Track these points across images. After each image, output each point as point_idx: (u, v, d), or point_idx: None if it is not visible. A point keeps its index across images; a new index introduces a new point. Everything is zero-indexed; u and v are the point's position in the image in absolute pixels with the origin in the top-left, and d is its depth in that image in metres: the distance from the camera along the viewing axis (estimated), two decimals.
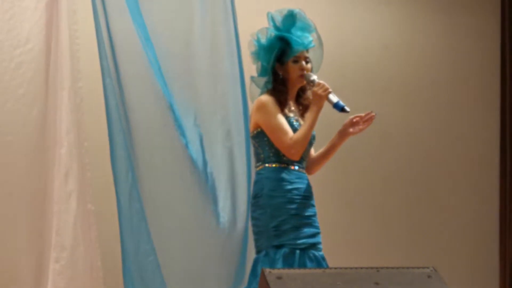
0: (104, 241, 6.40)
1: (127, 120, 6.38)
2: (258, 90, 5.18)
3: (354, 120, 5.16)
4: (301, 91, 5.16)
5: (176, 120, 6.47)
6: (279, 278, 4.19)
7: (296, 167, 5.06)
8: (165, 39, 6.53)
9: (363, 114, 5.15)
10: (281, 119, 5.01)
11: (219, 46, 6.61)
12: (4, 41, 6.18)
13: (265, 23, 5.17)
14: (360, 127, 5.17)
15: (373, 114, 5.15)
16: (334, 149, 5.25)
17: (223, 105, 6.60)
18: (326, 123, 5.25)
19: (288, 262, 4.91)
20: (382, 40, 7.47)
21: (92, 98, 6.45)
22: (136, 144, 6.40)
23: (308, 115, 5.01)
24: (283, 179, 5.01)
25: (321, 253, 5.02)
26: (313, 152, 5.27)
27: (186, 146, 6.48)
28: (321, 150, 5.24)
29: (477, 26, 7.69)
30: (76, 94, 6.33)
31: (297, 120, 5.08)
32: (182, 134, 6.49)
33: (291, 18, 5.08)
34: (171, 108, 6.43)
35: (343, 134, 5.20)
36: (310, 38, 5.10)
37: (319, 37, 5.16)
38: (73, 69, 6.33)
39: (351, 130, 5.18)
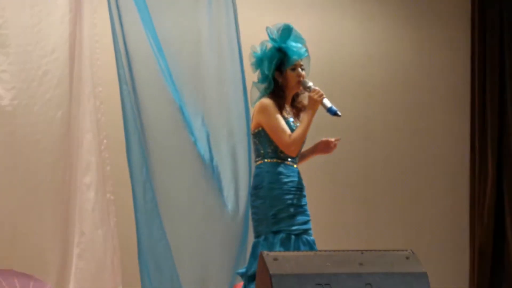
0: (123, 227, 6.42)
1: (141, 121, 6.40)
2: (257, 94, 5.22)
3: (328, 143, 5.23)
4: (295, 95, 5.20)
5: (185, 120, 6.49)
6: (275, 259, 4.19)
7: (291, 162, 5.12)
8: (175, 49, 6.54)
9: (333, 139, 5.23)
10: (281, 120, 5.06)
11: (224, 55, 6.63)
12: (33, 52, 6.19)
13: (264, 34, 5.21)
14: (329, 151, 5.26)
15: (339, 139, 5.24)
16: (306, 159, 5.32)
17: (227, 107, 6.62)
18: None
19: (285, 246, 4.95)
20: (366, 51, 7.50)
21: (111, 101, 6.46)
22: (149, 142, 6.41)
23: (304, 117, 5.06)
24: (281, 173, 5.05)
25: (312, 237, 5.07)
26: None
27: (195, 143, 6.50)
28: (305, 151, 5.30)
29: (449, 37, 7.69)
30: (96, 97, 6.34)
31: (293, 122, 5.14)
32: (191, 132, 6.51)
33: (287, 31, 5.12)
34: (181, 110, 6.44)
35: (318, 152, 5.28)
36: (303, 48, 5.14)
37: (306, 48, 5.21)
38: (93, 76, 6.35)
39: (326, 151, 5.27)
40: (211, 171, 6.52)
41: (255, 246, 5.05)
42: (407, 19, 7.63)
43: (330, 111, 5.02)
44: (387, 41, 7.56)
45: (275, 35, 5.10)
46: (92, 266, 6.20)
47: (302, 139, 5.03)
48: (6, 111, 6.07)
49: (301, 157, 5.27)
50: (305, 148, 5.27)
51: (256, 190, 5.10)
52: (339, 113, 5.02)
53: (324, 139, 5.25)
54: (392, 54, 7.56)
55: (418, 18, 7.66)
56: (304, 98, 5.18)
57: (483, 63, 7.56)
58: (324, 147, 5.27)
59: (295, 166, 5.12)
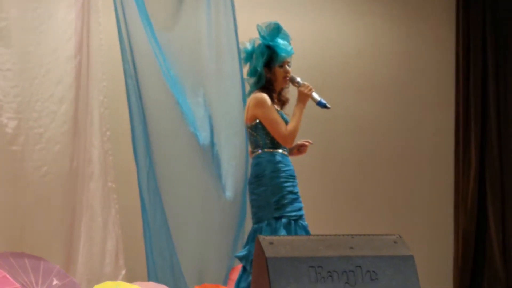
0: (126, 213, 6.45)
1: (144, 114, 6.43)
2: (247, 88, 5.26)
3: (304, 146, 5.29)
4: (281, 89, 5.24)
5: (185, 112, 6.52)
6: (271, 243, 4.18)
7: (285, 152, 5.18)
8: (176, 47, 6.58)
9: (306, 143, 5.28)
10: (276, 113, 5.10)
11: (223, 52, 6.66)
12: (35, 52, 6.21)
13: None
14: (302, 152, 5.31)
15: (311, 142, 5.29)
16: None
17: (226, 100, 6.65)
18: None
19: (287, 230, 4.99)
20: (356, 47, 7.52)
21: (115, 95, 6.49)
22: (152, 133, 6.44)
23: (296, 111, 5.10)
24: (280, 162, 5.09)
25: (305, 223, 5.12)
26: None
27: (194, 134, 6.53)
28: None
29: (435, 34, 7.71)
30: (100, 92, 6.36)
31: (283, 114, 5.18)
32: (191, 123, 6.54)
33: (276, 29, 5.15)
34: (179, 103, 6.48)
35: (297, 153, 5.33)
36: (290, 46, 5.19)
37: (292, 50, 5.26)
38: (97, 71, 6.38)
39: (298, 151, 5.32)
40: (211, 159, 6.55)
41: (257, 231, 5.08)
42: (395, 16, 7.65)
43: (319, 104, 5.08)
44: (376, 37, 7.57)
45: (265, 32, 5.14)
46: (96, 251, 6.23)
47: (296, 131, 5.08)
48: (10, 107, 6.09)
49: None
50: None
51: (257, 178, 5.12)
52: (328, 105, 5.07)
53: (299, 142, 5.31)
54: (381, 50, 7.57)
55: (406, 15, 7.67)
56: (288, 92, 5.23)
57: (467, 59, 7.59)
58: (300, 149, 5.33)
59: (287, 155, 5.17)
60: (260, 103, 5.10)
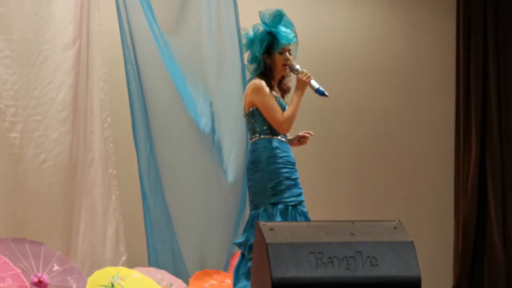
0: (127, 199, 6.46)
1: (144, 100, 6.43)
2: (248, 74, 5.24)
3: (304, 137, 5.27)
4: (282, 78, 5.23)
5: (183, 99, 6.52)
6: (271, 229, 4.20)
7: (284, 139, 5.16)
8: (176, 34, 6.58)
9: (307, 134, 5.26)
10: (273, 99, 5.09)
11: (223, 39, 6.66)
12: (34, 39, 6.20)
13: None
14: (303, 143, 5.29)
15: (311, 133, 5.28)
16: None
17: (226, 86, 6.65)
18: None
19: (284, 216, 4.99)
20: (357, 35, 7.51)
21: (115, 82, 6.48)
22: (152, 119, 6.45)
23: (294, 98, 5.09)
24: (277, 148, 5.08)
25: (305, 209, 5.12)
26: None
27: (195, 120, 6.53)
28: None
29: (436, 22, 7.70)
30: (100, 78, 6.36)
31: (282, 101, 5.17)
32: (192, 109, 6.54)
33: (278, 16, 5.14)
34: (179, 89, 6.48)
35: (296, 144, 5.32)
36: (293, 34, 5.17)
37: (295, 34, 5.24)
38: (97, 58, 6.36)
39: (298, 142, 5.31)
40: (212, 145, 6.55)
41: (254, 218, 5.08)
42: (396, 4, 7.63)
43: (318, 91, 5.06)
44: (378, 25, 7.56)
45: (267, 19, 5.13)
46: (97, 238, 6.24)
47: (293, 118, 5.07)
48: (8, 94, 6.08)
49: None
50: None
51: (254, 165, 5.12)
52: (326, 93, 5.06)
53: (300, 133, 5.29)
54: (382, 38, 7.56)
55: (407, 3, 7.66)
56: (289, 81, 5.21)
57: (468, 47, 7.58)
58: (300, 141, 5.31)
59: (287, 142, 5.16)
60: (256, 90, 5.10)
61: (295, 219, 4.97)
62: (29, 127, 6.14)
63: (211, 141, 6.57)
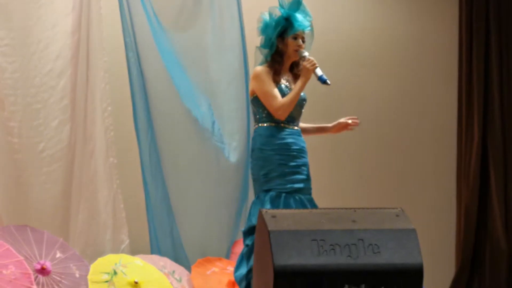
0: (128, 187, 6.46)
1: (145, 88, 6.43)
2: (261, 57, 5.23)
3: (344, 123, 5.27)
4: (295, 64, 5.22)
5: (182, 87, 6.52)
6: (273, 217, 4.22)
7: (289, 125, 5.14)
8: (175, 21, 6.57)
9: (350, 121, 5.27)
10: (271, 86, 5.08)
11: (225, 24, 6.65)
12: (34, 26, 6.19)
13: (264, 4, 5.25)
14: (348, 128, 5.31)
15: (358, 120, 5.30)
16: (321, 133, 5.38)
17: (228, 73, 6.65)
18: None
19: (274, 204, 4.98)
20: (360, 23, 7.49)
21: (116, 70, 6.47)
22: (153, 107, 6.46)
23: (297, 84, 5.09)
24: (273, 136, 5.08)
25: (308, 196, 5.10)
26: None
27: (190, 110, 6.54)
28: (310, 126, 5.36)
29: (439, 10, 7.68)
30: (101, 67, 6.35)
31: (287, 87, 5.15)
32: (191, 98, 6.54)
33: (296, 4, 5.16)
34: (173, 80, 6.47)
35: (334, 130, 5.32)
36: (308, 22, 5.17)
37: (312, 28, 5.24)
38: (97, 46, 6.35)
39: (339, 130, 5.31)
40: (212, 133, 6.55)
41: (252, 205, 5.11)
42: None
43: (320, 79, 5.06)
44: (379, 13, 7.55)
45: (285, 4, 5.14)
46: (98, 226, 6.25)
47: (291, 104, 5.05)
48: (7, 84, 6.08)
49: (310, 130, 5.33)
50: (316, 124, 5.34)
51: (252, 153, 5.17)
52: (328, 81, 5.06)
53: (342, 120, 5.28)
54: (384, 26, 7.55)
55: None
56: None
57: (470, 34, 7.57)
58: (338, 128, 5.31)
59: (293, 127, 5.14)
60: (255, 76, 5.13)
61: (288, 207, 4.97)
62: (28, 116, 6.14)
63: (211, 129, 6.57)
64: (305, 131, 5.30)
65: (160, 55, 6.41)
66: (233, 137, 6.61)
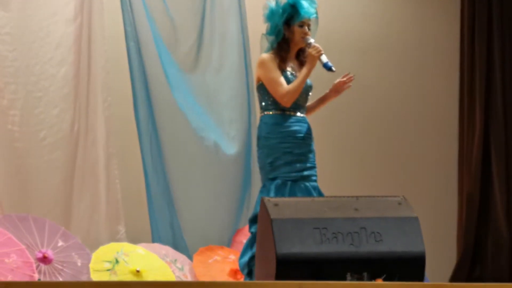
0: (130, 175, 6.47)
1: (146, 78, 6.43)
2: (267, 44, 5.23)
3: (339, 83, 5.25)
4: (301, 51, 5.22)
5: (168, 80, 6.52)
6: (276, 205, 4.23)
7: (294, 113, 5.14)
8: (179, 7, 6.58)
9: (345, 79, 5.23)
10: (277, 73, 5.08)
11: (225, 13, 6.65)
12: (34, 15, 6.20)
13: None
14: (345, 86, 5.27)
15: (351, 75, 5.24)
16: (324, 103, 5.35)
17: (228, 62, 6.65)
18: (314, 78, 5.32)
19: (280, 192, 5.00)
20: (362, 11, 7.48)
21: (117, 59, 6.47)
22: (154, 97, 6.46)
23: (302, 71, 5.11)
24: (278, 124, 5.08)
25: (313, 183, 5.10)
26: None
27: (194, 97, 6.54)
28: (312, 103, 5.33)
29: None
30: (101, 56, 6.36)
31: (292, 74, 5.15)
32: (179, 91, 6.53)
33: None
34: (165, 69, 6.47)
35: (332, 94, 5.29)
36: (314, 9, 5.18)
37: (317, 15, 5.25)
38: (98, 35, 6.35)
39: (338, 92, 5.28)
40: (211, 122, 6.56)
41: (259, 194, 5.12)
42: None
43: (325, 66, 5.07)
44: (382, 1, 7.54)
45: None
46: (98, 216, 6.26)
47: (296, 91, 5.06)
48: (8, 72, 6.08)
49: (312, 106, 5.30)
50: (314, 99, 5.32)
51: (258, 141, 5.17)
52: (333, 68, 5.07)
53: (336, 82, 5.26)
54: (386, 14, 7.54)
55: None
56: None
57: (472, 23, 7.55)
58: (336, 89, 5.27)
59: (299, 115, 5.14)
60: (260, 64, 5.14)
61: (294, 195, 4.98)
62: (29, 104, 6.14)
63: (211, 118, 6.58)
64: (310, 109, 5.28)
65: (155, 46, 6.43)
66: (231, 126, 6.61)
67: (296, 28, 5.13)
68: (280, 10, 5.12)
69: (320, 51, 5.06)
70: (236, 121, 6.65)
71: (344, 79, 5.25)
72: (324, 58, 5.07)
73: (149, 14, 6.44)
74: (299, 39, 5.14)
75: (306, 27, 5.15)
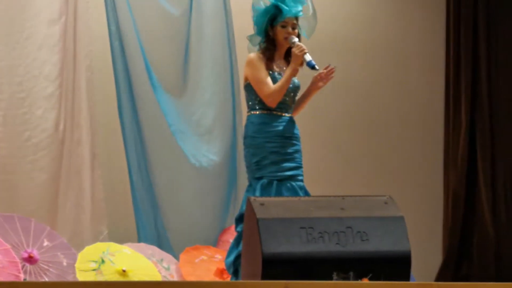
0: (115, 174, 6.47)
1: (130, 77, 6.43)
2: (255, 46, 5.23)
3: (320, 76, 5.23)
4: (289, 51, 5.22)
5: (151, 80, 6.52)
6: (262, 204, 4.25)
7: (281, 112, 5.15)
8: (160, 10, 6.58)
9: (325, 71, 5.22)
10: (263, 73, 5.09)
11: (209, 15, 6.65)
12: (18, 16, 6.19)
13: None
14: (325, 80, 5.25)
15: (332, 67, 5.22)
16: (307, 98, 5.33)
17: (212, 62, 6.65)
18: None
19: (266, 191, 5.01)
20: (346, 9, 7.49)
21: (101, 59, 6.46)
22: (138, 96, 6.47)
23: (286, 70, 5.12)
24: (264, 123, 5.09)
25: (300, 183, 5.11)
26: None
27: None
28: (298, 99, 5.32)
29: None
30: (87, 56, 6.35)
31: (280, 74, 5.15)
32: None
33: None
34: (147, 68, 6.47)
35: (314, 87, 5.27)
36: (300, 8, 5.16)
37: (313, 8, 5.24)
38: (83, 35, 6.34)
39: (320, 83, 5.25)
40: (194, 122, 6.56)
41: (244, 192, 5.13)
42: None
43: (308, 64, 5.07)
44: (365, 1, 7.56)
45: None
46: (85, 214, 6.25)
47: (280, 91, 5.07)
48: None
49: (298, 103, 5.29)
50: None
51: (244, 140, 5.18)
52: (317, 67, 5.08)
53: (316, 74, 5.22)
54: (371, 12, 7.55)
55: None
56: None
57: (458, 20, 7.57)
58: (316, 82, 5.23)
59: (285, 115, 5.14)
60: (248, 63, 5.16)
61: (280, 194, 4.99)
62: (13, 105, 6.13)
63: (194, 118, 6.58)
64: (295, 108, 5.26)
65: (139, 49, 6.43)
66: (215, 124, 6.61)
67: (278, 29, 5.14)
68: (264, 11, 5.13)
69: (303, 50, 5.06)
70: (218, 119, 6.65)
71: (325, 71, 5.22)
72: (307, 57, 5.07)
73: (133, 13, 6.43)
74: (282, 40, 5.14)
75: (290, 27, 5.14)
